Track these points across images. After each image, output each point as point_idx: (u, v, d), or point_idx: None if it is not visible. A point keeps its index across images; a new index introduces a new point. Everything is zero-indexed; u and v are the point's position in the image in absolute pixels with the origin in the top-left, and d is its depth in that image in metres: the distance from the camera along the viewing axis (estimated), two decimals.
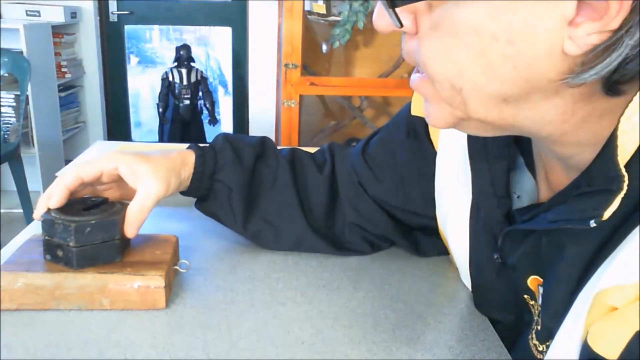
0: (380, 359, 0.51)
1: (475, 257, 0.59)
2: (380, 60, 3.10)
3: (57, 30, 2.86)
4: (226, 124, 3.63)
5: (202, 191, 0.69)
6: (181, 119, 3.12)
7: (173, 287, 0.61)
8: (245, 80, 3.31)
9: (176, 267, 0.62)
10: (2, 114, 2.55)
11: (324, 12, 3.03)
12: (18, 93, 2.48)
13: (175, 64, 3.09)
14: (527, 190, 0.53)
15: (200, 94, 3.16)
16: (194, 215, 0.84)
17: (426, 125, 0.65)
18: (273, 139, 3.29)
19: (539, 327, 0.47)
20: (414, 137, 0.66)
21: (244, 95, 3.36)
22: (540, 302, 0.48)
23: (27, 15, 2.79)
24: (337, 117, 3.26)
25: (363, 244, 0.71)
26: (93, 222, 0.56)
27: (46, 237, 0.57)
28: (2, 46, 2.41)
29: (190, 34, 3.88)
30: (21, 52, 2.45)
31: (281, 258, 0.69)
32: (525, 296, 0.51)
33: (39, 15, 2.79)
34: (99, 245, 0.56)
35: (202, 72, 3.15)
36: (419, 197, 0.67)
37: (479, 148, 0.52)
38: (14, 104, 2.56)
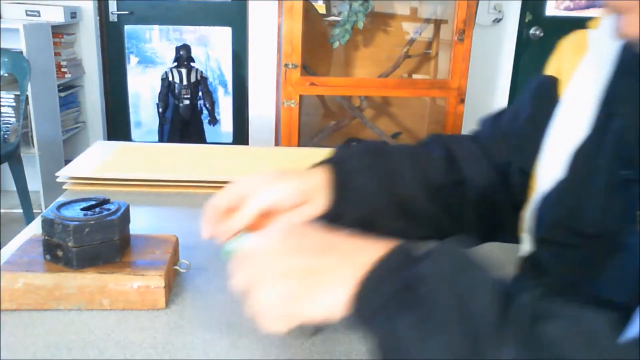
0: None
1: (577, 177, 0.61)
2: (380, 60, 3.10)
3: (57, 30, 2.86)
4: (226, 124, 3.63)
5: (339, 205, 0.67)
6: (181, 119, 3.12)
7: (173, 287, 0.61)
8: (245, 80, 3.31)
9: (176, 267, 0.61)
10: (2, 114, 2.55)
11: (324, 12, 3.03)
12: (18, 93, 2.48)
13: (175, 64, 3.08)
14: None
15: (200, 94, 3.16)
16: (194, 215, 0.84)
17: (555, 82, 0.66)
18: (273, 139, 3.31)
19: None
20: (542, 94, 0.68)
21: (244, 95, 3.36)
22: None
23: (27, 15, 2.79)
24: (337, 117, 3.26)
25: (479, 226, 0.72)
26: (92, 222, 0.56)
27: (46, 237, 0.57)
28: (2, 46, 2.41)
29: (190, 34, 3.88)
30: (21, 52, 2.45)
31: None
32: None
33: (39, 15, 2.79)
34: (98, 246, 0.56)
35: (202, 72, 3.15)
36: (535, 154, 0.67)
37: (627, 70, 0.57)
38: (14, 104, 2.56)
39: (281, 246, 0.47)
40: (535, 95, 0.69)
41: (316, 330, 0.48)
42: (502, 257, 0.71)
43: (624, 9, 0.49)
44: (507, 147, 0.71)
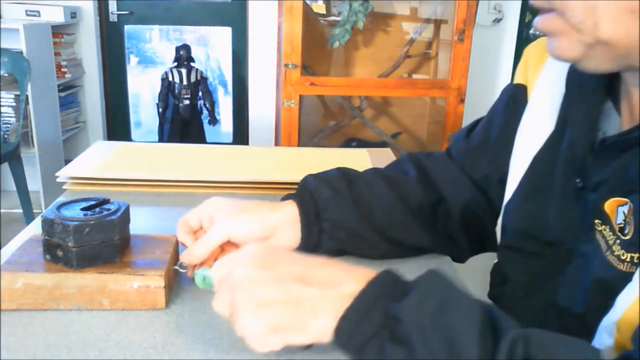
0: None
1: (536, 183, 0.62)
2: (380, 60, 3.10)
3: (57, 30, 2.86)
4: (226, 124, 3.63)
5: (313, 237, 0.65)
6: (181, 119, 3.12)
7: (173, 287, 0.61)
8: (245, 80, 3.31)
9: (176, 267, 0.61)
10: (2, 114, 2.55)
11: (324, 12, 3.03)
12: (18, 93, 2.48)
13: (175, 64, 3.08)
14: (613, 130, 0.55)
15: (200, 94, 3.16)
16: None
17: (524, 89, 0.68)
18: (273, 139, 3.30)
19: (617, 244, 0.49)
20: (513, 103, 0.69)
21: (243, 95, 3.36)
22: (618, 221, 0.50)
23: (27, 15, 2.79)
24: (337, 117, 3.26)
25: (466, 240, 0.72)
26: (92, 222, 0.56)
27: (46, 237, 0.57)
28: (2, 46, 2.41)
29: (190, 34, 3.87)
30: (21, 52, 2.45)
31: None
32: (597, 221, 0.52)
33: (39, 15, 2.79)
34: (98, 246, 0.56)
35: (202, 72, 3.15)
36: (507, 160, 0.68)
37: (576, 81, 0.58)
38: (14, 104, 2.56)
39: (259, 273, 0.46)
40: (506, 104, 0.70)
41: (307, 346, 0.48)
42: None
43: (557, 32, 0.49)
44: (483, 160, 0.71)
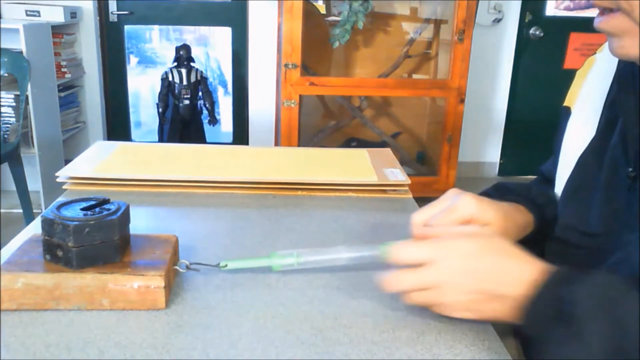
0: (380, 359, 0.51)
1: (581, 181, 0.66)
2: (380, 60, 3.10)
3: (57, 30, 2.86)
4: (226, 124, 3.62)
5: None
6: (181, 118, 3.12)
7: (173, 287, 0.61)
8: (245, 80, 3.31)
9: (176, 267, 0.61)
10: (2, 114, 2.55)
11: (324, 12, 3.03)
12: (18, 93, 2.48)
13: (175, 64, 3.08)
14: None
15: (200, 94, 3.15)
16: (194, 215, 0.84)
17: (568, 109, 0.72)
18: (273, 139, 3.30)
19: None
20: (561, 120, 0.73)
21: (243, 95, 3.36)
22: None
23: (27, 15, 2.79)
24: (337, 117, 3.26)
25: None
26: (92, 222, 0.56)
27: (46, 237, 0.57)
28: (2, 46, 2.41)
29: (190, 34, 3.87)
30: (21, 52, 2.45)
31: None
32: None
33: (39, 15, 2.79)
34: (98, 246, 0.56)
35: (202, 72, 3.15)
36: None
37: (629, 76, 0.60)
38: (14, 104, 2.56)
39: (464, 276, 0.53)
40: (558, 125, 0.75)
41: None
42: None
43: (621, 31, 0.52)
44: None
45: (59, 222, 0.55)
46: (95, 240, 0.56)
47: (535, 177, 0.84)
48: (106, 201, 0.61)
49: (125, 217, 0.60)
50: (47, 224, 0.56)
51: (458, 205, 0.62)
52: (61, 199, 0.63)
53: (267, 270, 0.65)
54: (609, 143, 0.64)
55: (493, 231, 0.61)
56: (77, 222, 0.55)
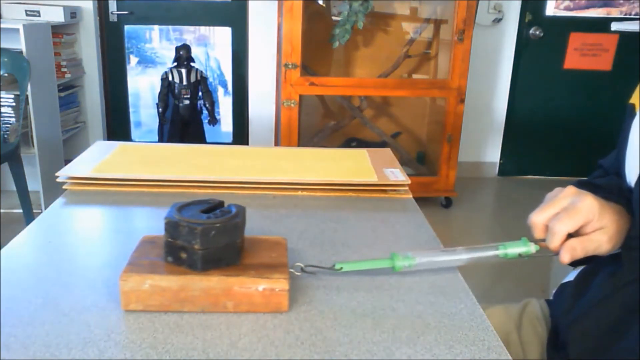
0: (380, 359, 0.51)
1: None
2: (380, 60, 3.10)
3: (57, 30, 2.86)
4: (226, 124, 3.63)
5: None
6: (181, 118, 3.12)
7: None
8: (245, 80, 3.31)
9: (291, 270, 0.61)
10: (2, 114, 2.55)
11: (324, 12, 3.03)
12: (18, 93, 2.48)
13: (175, 63, 3.08)
14: None
15: (200, 93, 3.16)
16: None
17: (633, 106, 0.71)
18: (273, 139, 3.30)
19: None
20: (626, 119, 0.72)
21: (243, 95, 3.36)
22: None
23: (27, 15, 2.79)
24: (337, 117, 3.26)
25: None
26: (218, 225, 0.56)
27: (169, 240, 0.56)
28: (2, 46, 2.41)
29: (190, 34, 3.87)
30: (21, 52, 2.45)
31: None
32: None
33: (39, 15, 2.79)
34: (222, 248, 0.56)
35: (202, 72, 3.15)
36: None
37: None
38: (14, 104, 2.56)
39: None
40: (623, 123, 0.73)
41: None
42: None
43: None
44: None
45: (184, 225, 0.55)
46: (220, 242, 0.56)
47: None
48: (221, 203, 0.61)
49: (244, 219, 0.60)
50: (172, 227, 0.56)
51: (581, 208, 0.62)
52: (179, 201, 0.61)
53: None
54: None
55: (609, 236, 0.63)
56: (204, 225, 0.55)
